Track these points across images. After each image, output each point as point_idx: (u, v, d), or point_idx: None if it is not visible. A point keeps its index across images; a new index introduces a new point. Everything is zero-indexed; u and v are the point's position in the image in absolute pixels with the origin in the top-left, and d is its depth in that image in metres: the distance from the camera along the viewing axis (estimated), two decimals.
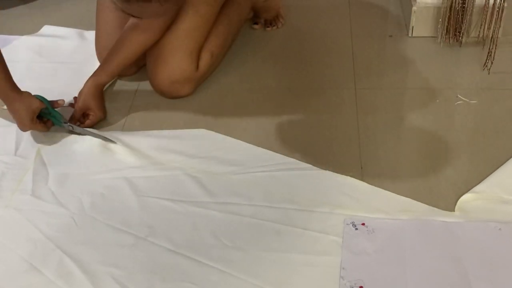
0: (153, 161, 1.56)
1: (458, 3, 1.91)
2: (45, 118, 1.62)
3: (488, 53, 1.86)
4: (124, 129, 1.69)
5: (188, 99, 1.82)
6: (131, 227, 1.38)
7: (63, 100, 1.65)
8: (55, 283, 1.26)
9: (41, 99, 1.59)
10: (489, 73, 1.84)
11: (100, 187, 1.49)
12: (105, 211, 1.43)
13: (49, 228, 1.39)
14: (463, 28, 1.94)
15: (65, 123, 1.63)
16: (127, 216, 1.41)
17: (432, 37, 2.02)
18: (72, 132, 1.64)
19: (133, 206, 1.44)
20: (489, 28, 1.90)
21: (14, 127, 1.67)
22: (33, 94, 1.58)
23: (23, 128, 1.59)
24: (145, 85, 1.86)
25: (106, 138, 1.60)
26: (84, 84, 1.72)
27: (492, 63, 1.85)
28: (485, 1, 1.90)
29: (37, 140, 1.64)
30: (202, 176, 1.50)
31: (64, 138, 1.65)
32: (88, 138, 1.62)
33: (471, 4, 1.91)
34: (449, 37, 1.97)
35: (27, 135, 1.65)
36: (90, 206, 1.44)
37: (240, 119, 1.72)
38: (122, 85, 1.88)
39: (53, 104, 1.62)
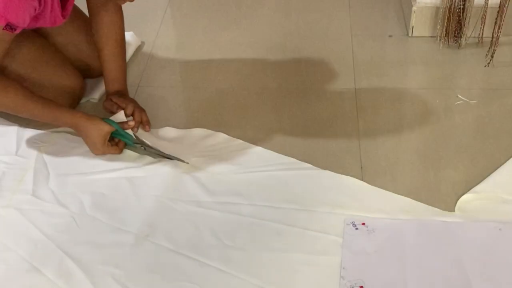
0: (153, 160, 1.56)
1: (458, 4, 1.91)
2: (116, 139, 1.57)
3: (489, 50, 1.86)
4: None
5: (188, 99, 1.82)
6: (131, 227, 1.38)
7: (133, 122, 1.60)
8: (55, 283, 1.27)
9: (110, 122, 1.54)
10: (488, 66, 1.84)
11: (101, 187, 1.50)
12: (105, 211, 1.43)
13: (49, 228, 1.39)
14: (462, 29, 1.94)
15: (136, 143, 1.56)
16: (128, 216, 1.41)
17: (432, 37, 2.03)
18: (144, 152, 1.57)
19: (134, 206, 1.44)
20: (494, 26, 1.90)
21: (15, 127, 1.68)
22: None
23: (96, 152, 1.56)
24: (145, 85, 1.86)
25: (179, 158, 1.53)
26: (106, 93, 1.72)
27: (491, 58, 1.85)
28: (485, 2, 1.90)
29: (38, 140, 1.64)
30: (203, 176, 1.50)
31: (65, 138, 1.65)
32: (161, 160, 1.55)
33: (471, 5, 1.91)
34: (448, 38, 1.97)
35: (28, 135, 1.65)
36: (91, 206, 1.44)
37: (240, 119, 1.72)
38: None
39: (123, 125, 1.57)
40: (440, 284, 1.23)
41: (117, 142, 1.57)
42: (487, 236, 1.32)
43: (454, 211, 1.39)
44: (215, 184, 1.48)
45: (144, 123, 1.64)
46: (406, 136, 1.66)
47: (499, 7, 1.85)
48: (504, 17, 1.85)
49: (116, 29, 1.70)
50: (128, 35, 1.91)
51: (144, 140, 1.57)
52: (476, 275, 1.23)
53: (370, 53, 2.00)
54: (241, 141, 1.62)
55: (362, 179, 1.49)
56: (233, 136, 1.64)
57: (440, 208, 1.40)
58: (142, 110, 1.66)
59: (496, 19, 1.86)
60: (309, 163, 1.54)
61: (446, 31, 1.96)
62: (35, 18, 1.48)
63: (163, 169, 1.53)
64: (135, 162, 1.56)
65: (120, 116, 1.60)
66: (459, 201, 1.40)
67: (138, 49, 2.03)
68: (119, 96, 1.68)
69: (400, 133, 1.67)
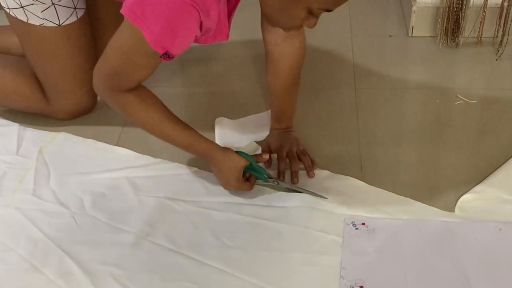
0: (153, 160, 1.56)
1: (457, 4, 1.91)
2: (247, 173, 1.44)
3: (502, 40, 1.87)
4: (123, 130, 1.69)
5: (188, 99, 1.82)
6: (131, 227, 1.38)
7: (267, 154, 1.48)
8: (55, 283, 1.27)
9: (244, 156, 1.42)
10: (498, 60, 1.85)
11: (101, 186, 1.50)
12: (105, 211, 1.43)
13: (49, 227, 1.39)
14: (461, 28, 1.95)
15: (269, 178, 1.45)
16: (128, 216, 1.42)
17: (432, 37, 2.03)
18: (277, 188, 1.46)
19: (134, 206, 1.44)
20: (501, 25, 1.91)
21: (15, 126, 1.68)
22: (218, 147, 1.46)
23: (228, 188, 1.45)
24: (145, 84, 1.86)
25: (315, 193, 1.43)
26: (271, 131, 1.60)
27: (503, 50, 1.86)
28: (484, 1, 1.90)
29: (38, 139, 1.64)
30: (203, 176, 1.51)
31: (65, 138, 1.65)
32: (297, 195, 1.44)
33: (469, 5, 1.91)
34: (448, 38, 1.97)
35: (28, 134, 1.65)
36: (91, 206, 1.45)
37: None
38: None
39: (256, 159, 1.45)
40: (440, 284, 1.23)
41: (247, 177, 1.44)
42: (487, 236, 1.32)
43: (454, 211, 1.39)
44: (215, 183, 1.48)
45: (307, 168, 1.50)
46: (406, 136, 1.66)
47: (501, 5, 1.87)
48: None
49: (298, 58, 1.55)
50: None
51: (283, 181, 1.46)
52: (476, 275, 1.24)
53: (370, 53, 2.00)
54: (241, 140, 1.62)
55: (362, 179, 1.49)
56: None
57: (440, 208, 1.40)
58: (305, 152, 1.52)
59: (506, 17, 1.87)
60: None
61: (445, 31, 1.96)
62: (203, 39, 1.35)
63: (163, 169, 1.54)
64: (135, 162, 1.56)
65: (252, 146, 1.55)
66: (459, 201, 1.40)
67: None
68: (282, 137, 1.55)
69: (400, 133, 1.67)
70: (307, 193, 1.44)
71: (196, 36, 1.29)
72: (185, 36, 1.26)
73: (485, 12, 1.92)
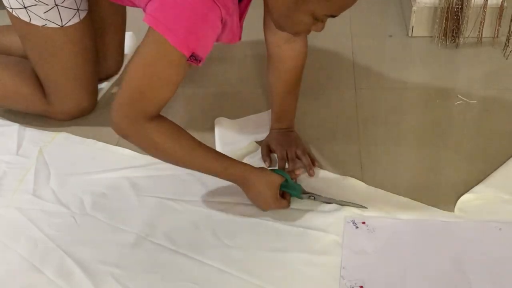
0: (154, 160, 1.56)
1: (457, 4, 1.91)
2: (280, 191, 1.40)
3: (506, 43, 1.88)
4: None
5: (188, 99, 1.82)
6: (132, 227, 1.39)
7: (300, 170, 1.47)
8: (55, 283, 1.27)
9: (279, 173, 1.40)
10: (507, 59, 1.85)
11: (101, 186, 1.50)
12: (106, 211, 1.43)
13: (50, 227, 1.39)
14: (461, 29, 1.95)
15: (304, 193, 1.42)
16: (128, 216, 1.42)
17: (432, 37, 2.03)
18: (315, 203, 1.42)
19: (134, 206, 1.44)
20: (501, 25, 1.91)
21: (15, 126, 1.68)
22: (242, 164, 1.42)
23: (267, 207, 1.39)
24: None
25: (355, 204, 1.40)
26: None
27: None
28: (484, 2, 1.90)
29: (38, 139, 1.64)
30: (203, 176, 1.50)
31: (66, 138, 1.65)
32: (336, 206, 1.41)
33: (469, 5, 1.91)
34: (447, 38, 1.97)
35: (28, 134, 1.66)
36: (91, 206, 1.45)
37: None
38: None
39: (291, 175, 1.43)
40: (440, 284, 1.23)
41: (282, 194, 1.40)
42: (487, 236, 1.32)
43: (454, 211, 1.39)
44: (215, 183, 1.48)
45: (307, 167, 1.50)
46: (406, 136, 1.66)
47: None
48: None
49: (300, 60, 1.55)
50: (128, 35, 1.91)
51: (319, 195, 1.43)
52: (476, 275, 1.24)
53: (370, 53, 2.00)
54: (241, 140, 1.62)
55: (362, 179, 1.49)
56: None
57: (440, 208, 1.40)
58: (305, 152, 1.53)
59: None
60: None
61: (444, 31, 1.96)
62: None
63: (163, 169, 1.53)
64: (135, 162, 1.56)
65: (252, 146, 1.56)
66: (459, 201, 1.40)
67: None
68: (282, 136, 1.56)
69: (400, 133, 1.67)
70: (346, 205, 1.40)
71: (218, 34, 1.27)
72: (209, 34, 1.25)
73: (485, 12, 1.92)
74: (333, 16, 1.23)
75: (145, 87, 1.25)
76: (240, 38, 1.37)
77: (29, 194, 1.48)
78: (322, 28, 1.27)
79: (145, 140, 1.31)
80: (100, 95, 1.81)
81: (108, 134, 1.66)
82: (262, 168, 1.42)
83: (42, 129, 1.68)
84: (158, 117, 1.29)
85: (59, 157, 1.59)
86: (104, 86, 1.84)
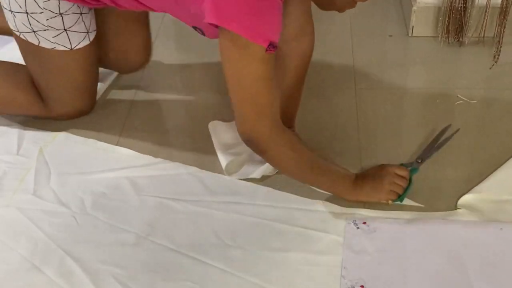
0: (154, 160, 1.56)
1: (459, 3, 1.92)
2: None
3: (497, 49, 1.87)
4: (124, 129, 1.69)
5: (188, 99, 1.81)
6: (132, 226, 1.39)
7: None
8: (56, 283, 1.27)
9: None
10: (494, 65, 1.85)
11: (102, 186, 1.50)
12: (106, 211, 1.43)
13: (50, 227, 1.39)
14: (464, 28, 1.95)
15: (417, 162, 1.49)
16: (129, 216, 1.42)
17: (432, 37, 2.03)
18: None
19: (135, 205, 1.44)
20: (499, 25, 1.90)
21: (16, 126, 1.68)
22: None
23: (387, 197, 1.41)
24: (145, 87, 1.86)
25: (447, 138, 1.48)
26: None
27: (498, 57, 1.86)
28: (487, 1, 1.90)
29: (39, 139, 1.64)
30: (204, 175, 1.51)
31: (66, 138, 1.65)
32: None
33: (472, 4, 1.91)
34: (449, 37, 1.97)
35: (29, 134, 1.65)
36: (92, 206, 1.45)
37: None
38: (123, 84, 1.88)
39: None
40: (440, 284, 1.23)
41: None
42: (488, 236, 1.32)
43: (454, 211, 1.39)
44: (216, 183, 1.48)
45: None
46: (406, 136, 1.66)
47: (501, 5, 1.86)
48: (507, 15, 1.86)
49: (306, 58, 1.55)
50: None
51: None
52: (477, 275, 1.24)
53: (370, 53, 2.00)
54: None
55: None
56: None
57: (440, 208, 1.40)
58: None
59: (500, 17, 1.86)
60: None
61: (446, 30, 1.96)
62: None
63: (163, 169, 1.54)
64: (136, 162, 1.56)
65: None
66: (459, 201, 1.41)
67: None
68: None
69: (400, 133, 1.67)
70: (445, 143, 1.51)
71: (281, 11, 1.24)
72: (275, 13, 1.22)
73: (487, 11, 1.92)
74: None
75: (258, 95, 1.26)
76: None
77: (30, 194, 1.48)
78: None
79: (285, 150, 1.34)
80: (98, 95, 1.80)
81: (109, 134, 1.67)
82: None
83: (43, 129, 1.68)
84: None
85: (60, 157, 1.59)
86: (101, 87, 1.83)
